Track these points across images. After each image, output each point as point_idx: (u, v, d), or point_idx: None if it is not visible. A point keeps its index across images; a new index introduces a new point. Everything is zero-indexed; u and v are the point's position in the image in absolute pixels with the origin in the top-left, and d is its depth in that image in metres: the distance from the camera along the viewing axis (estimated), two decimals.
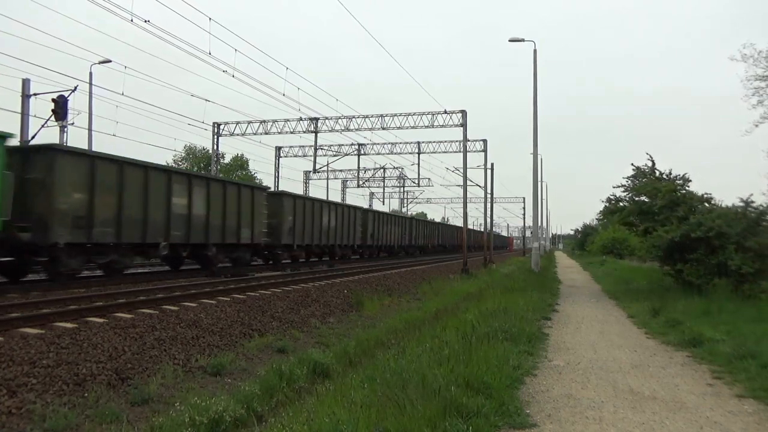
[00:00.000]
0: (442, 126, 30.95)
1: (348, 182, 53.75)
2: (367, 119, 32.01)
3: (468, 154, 31.11)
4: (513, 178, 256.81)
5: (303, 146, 38.53)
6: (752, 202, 14.20)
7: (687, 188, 16.72)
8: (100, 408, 6.13)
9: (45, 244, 12.32)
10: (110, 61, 24.96)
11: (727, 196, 77.64)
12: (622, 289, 18.08)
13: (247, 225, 19.71)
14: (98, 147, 28.17)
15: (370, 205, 55.32)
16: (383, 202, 57.80)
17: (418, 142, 38.11)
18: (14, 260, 12.96)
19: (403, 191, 63.41)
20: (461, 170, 30.94)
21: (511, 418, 4.78)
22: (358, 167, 42.83)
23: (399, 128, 31.87)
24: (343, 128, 32.44)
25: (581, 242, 70.87)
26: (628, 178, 17.89)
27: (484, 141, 35.28)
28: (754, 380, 6.11)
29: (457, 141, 35.63)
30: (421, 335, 8.68)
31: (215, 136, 33.79)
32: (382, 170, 49.57)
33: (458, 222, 74.60)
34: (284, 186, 39.83)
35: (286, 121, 32.99)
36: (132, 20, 17.09)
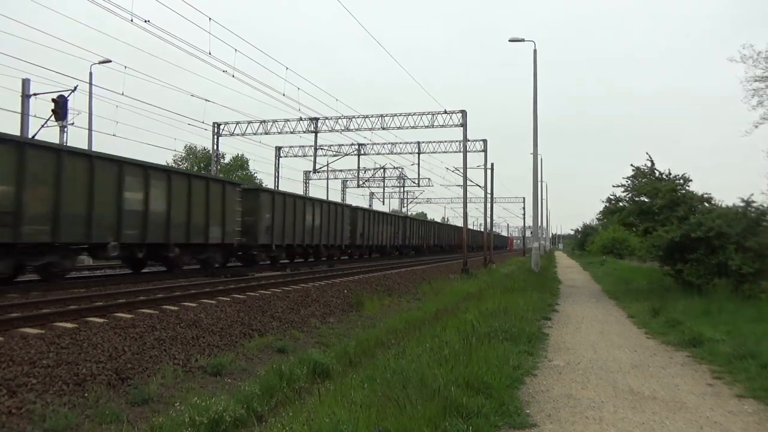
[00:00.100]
0: (442, 126, 30.98)
1: (348, 182, 53.81)
2: (367, 119, 32.05)
3: (468, 154, 31.15)
4: (513, 178, 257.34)
5: (303, 146, 38.65)
6: (753, 201, 14.21)
7: (687, 188, 16.73)
8: (100, 408, 6.14)
9: None
10: (110, 61, 24.99)
11: (727, 196, 77.68)
12: (622, 289, 18.07)
13: (217, 223, 18.11)
14: (98, 147, 28.17)
15: (370, 205, 55.38)
16: (383, 202, 57.92)
17: (418, 142, 38.18)
18: None
19: (403, 191, 63.52)
20: (461, 170, 30.95)
21: (511, 418, 4.78)
22: (358, 167, 42.90)
23: (399, 128, 31.95)
24: (343, 128, 32.50)
25: (581, 242, 70.85)
26: (627, 178, 17.90)
27: (484, 141, 35.33)
28: (754, 380, 6.11)
29: (457, 141, 35.70)
30: (421, 335, 8.68)
31: (215, 136, 33.81)
32: (382, 170, 49.62)
33: (458, 222, 74.72)
34: (284, 186, 39.92)
35: (286, 121, 33.05)
36: (132, 20, 17.11)
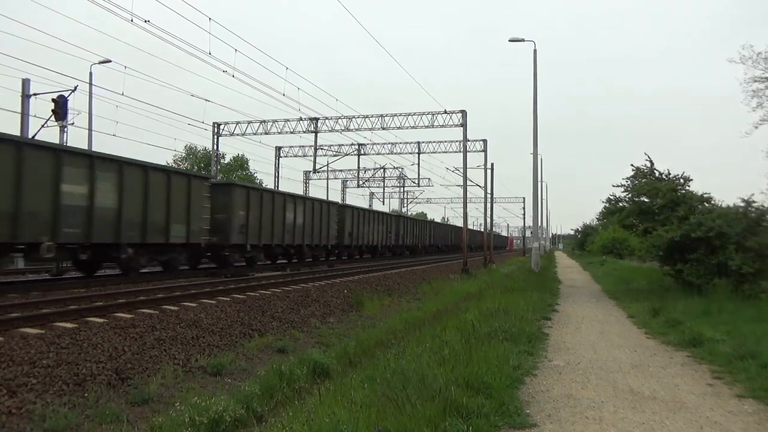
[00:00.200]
0: (442, 126, 30.99)
1: (348, 182, 53.82)
2: (367, 119, 32.05)
3: (468, 154, 31.17)
4: (513, 178, 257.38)
5: (303, 146, 38.63)
6: (754, 201, 14.21)
7: (687, 188, 16.73)
8: (100, 408, 6.14)
9: None
10: (110, 61, 25.00)
11: (727, 196, 77.77)
12: (622, 289, 18.08)
13: (180, 221, 16.26)
14: (98, 147, 28.18)
15: (370, 205, 55.36)
16: (383, 202, 57.89)
17: (418, 142, 38.18)
18: None
19: (403, 191, 63.50)
20: (461, 170, 30.97)
21: (511, 418, 4.78)
22: (358, 167, 42.89)
23: (399, 128, 31.95)
24: (343, 128, 32.50)
25: (581, 242, 70.86)
26: (627, 178, 17.90)
27: (484, 141, 35.35)
28: (754, 380, 6.11)
29: (457, 141, 35.70)
30: (421, 335, 8.68)
31: (215, 136, 33.82)
32: (382, 170, 49.61)
33: (458, 222, 74.70)
34: (284, 186, 39.91)
35: (286, 121, 33.05)
36: (132, 20, 17.11)
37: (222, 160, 49.30)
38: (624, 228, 21.16)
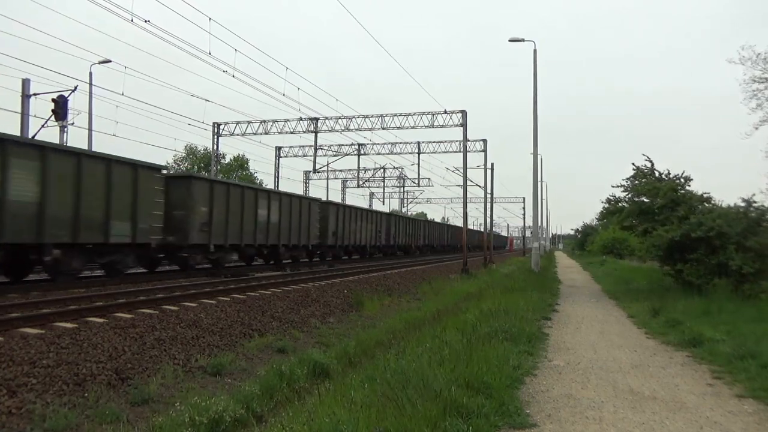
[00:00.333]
0: (442, 126, 31.00)
1: (348, 182, 53.84)
2: (367, 119, 32.06)
3: (468, 154, 31.16)
4: (513, 178, 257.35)
5: (303, 146, 38.64)
6: (754, 201, 14.21)
7: (687, 188, 16.73)
8: (100, 408, 6.14)
9: None
10: (110, 61, 25.00)
11: (727, 196, 77.83)
12: (622, 289, 18.08)
13: (123, 218, 14.20)
14: (98, 147, 28.20)
15: (370, 205, 55.34)
16: (383, 202, 57.87)
17: (418, 142, 38.19)
18: None
19: (403, 191, 63.52)
20: (461, 170, 30.97)
21: (511, 418, 4.78)
22: (358, 167, 42.90)
23: (399, 128, 31.97)
24: (343, 128, 32.51)
25: (581, 242, 70.85)
26: (627, 178, 17.90)
27: (484, 141, 35.35)
28: (754, 380, 6.11)
29: (457, 141, 35.71)
30: (421, 335, 8.68)
31: (215, 136, 33.83)
32: (382, 170, 49.63)
33: (458, 222, 74.70)
34: (284, 186, 39.86)
35: (286, 121, 33.06)
36: (132, 20, 17.12)
37: (222, 160, 49.32)
38: (623, 229, 21.16)
